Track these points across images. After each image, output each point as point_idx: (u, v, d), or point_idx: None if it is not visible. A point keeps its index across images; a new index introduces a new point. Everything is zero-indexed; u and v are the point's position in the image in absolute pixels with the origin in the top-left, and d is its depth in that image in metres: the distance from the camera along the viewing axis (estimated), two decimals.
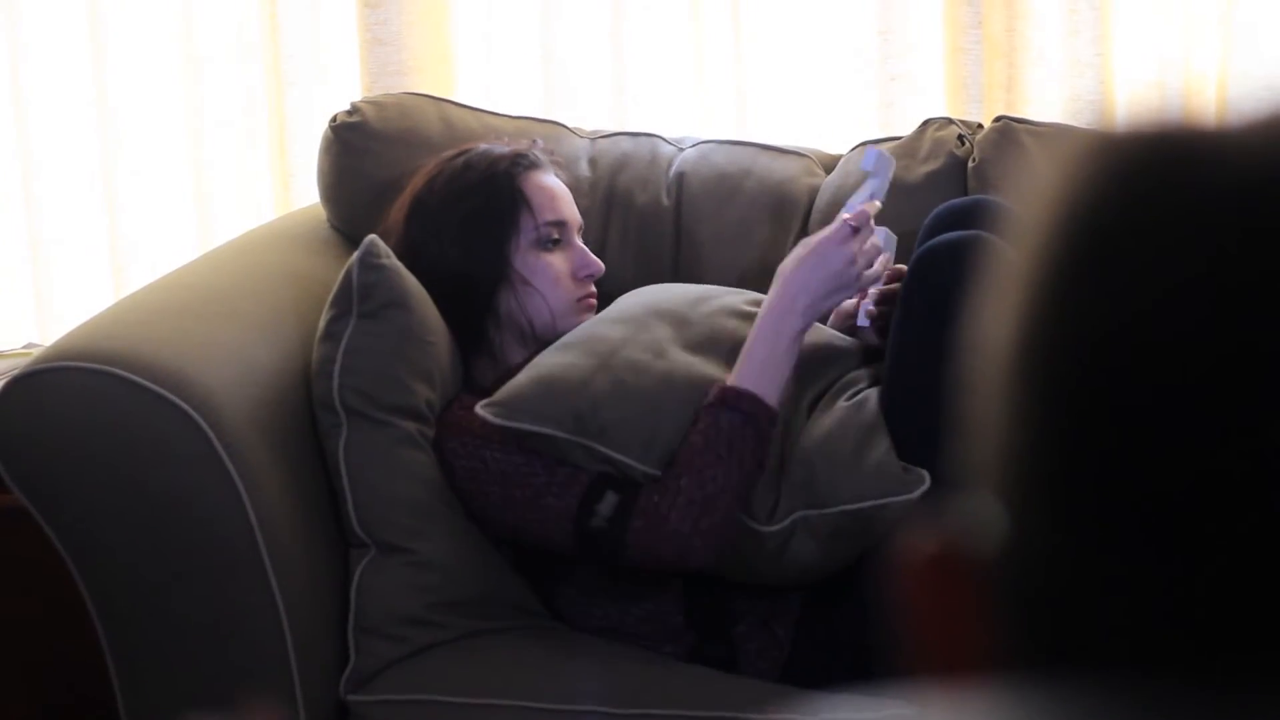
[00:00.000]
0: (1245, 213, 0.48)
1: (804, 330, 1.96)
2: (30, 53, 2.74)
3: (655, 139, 2.49)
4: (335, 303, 2.01)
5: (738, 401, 1.91)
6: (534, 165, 2.16)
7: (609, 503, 1.91)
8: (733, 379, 1.94)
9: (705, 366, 1.97)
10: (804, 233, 2.34)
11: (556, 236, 2.14)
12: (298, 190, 2.72)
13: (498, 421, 1.93)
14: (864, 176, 2.10)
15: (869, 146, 2.29)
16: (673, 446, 1.92)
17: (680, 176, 2.42)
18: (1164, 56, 2.61)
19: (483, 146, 2.19)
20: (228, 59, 2.74)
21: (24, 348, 2.75)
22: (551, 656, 1.96)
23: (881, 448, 1.92)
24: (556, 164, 2.23)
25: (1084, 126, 0.54)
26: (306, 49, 2.73)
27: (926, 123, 2.42)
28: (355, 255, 2.02)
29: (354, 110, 2.38)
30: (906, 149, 2.37)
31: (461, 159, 2.16)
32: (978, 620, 0.52)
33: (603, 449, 1.92)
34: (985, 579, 0.52)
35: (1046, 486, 0.50)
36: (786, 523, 1.91)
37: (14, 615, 2.36)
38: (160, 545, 1.83)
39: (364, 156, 2.35)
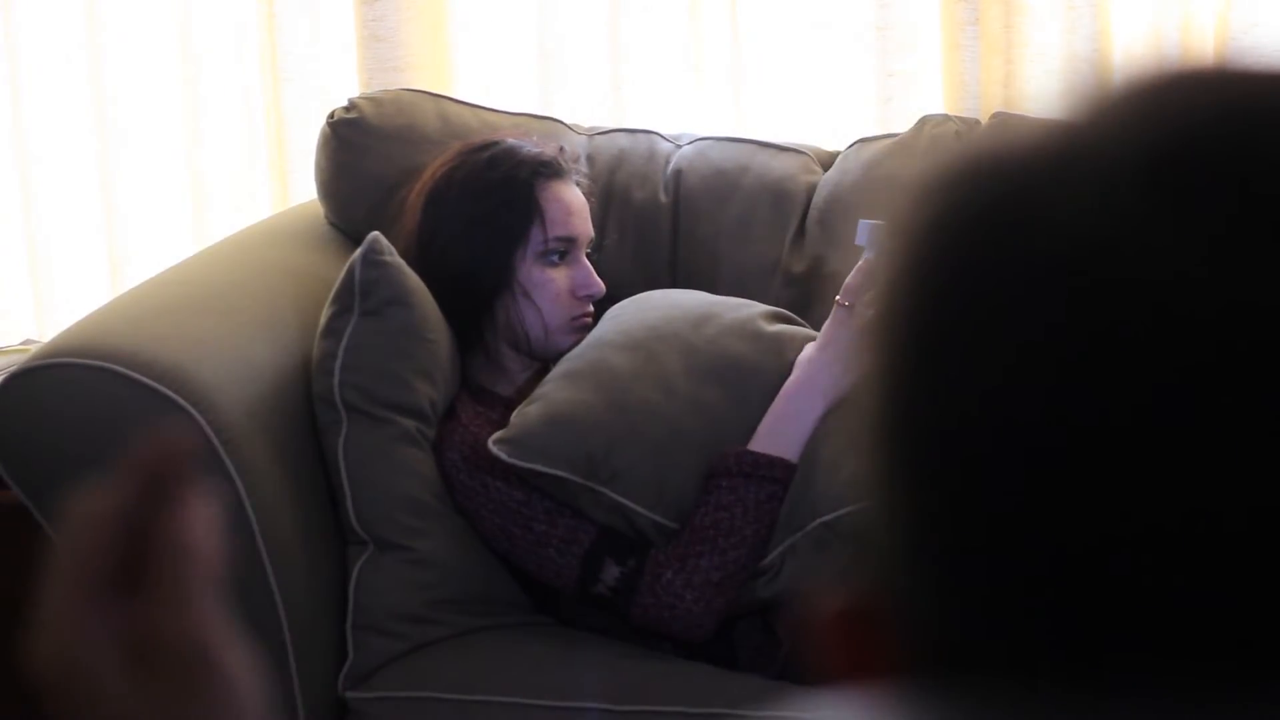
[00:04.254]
0: (1074, 274, 0.48)
1: (826, 409, 1.95)
2: (28, 48, 2.73)
3: (653, 135, 2.48)
4: (337, 299, 2.01)
5: (770, 469, 1.91)
6: (556, 174, 2.14)
7: (612, 573, 1.91)
8: (762, 448, 1.93)
9: (717, 404, 1.97)
10: (802, 230, 2.34)
11: (564, 250, 2.13)
12: (295, 187, 2.72)
13: (510, 461, 1.92)
14: (860, 252, 2.01)
15: (861, 220, 2.19)
16: (683, 495, 1.92)
17: (678, 173, 2.42)
18: (1162, 54, 2.61)
19: (510, 143, 2.16)
20: (225, 55, 2.74)
21: (22, 344, 2.74)
22: (550, 653, 1.95)
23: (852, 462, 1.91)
24: (579, 172, 2.22)
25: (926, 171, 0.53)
26: (304, 45, 2.72)
27: (924, 119, 2.42)
28: (358, 252, 2.02)
29: (351, 107, 2.38)
30: (904, 146, 2.37)
31: (486, 155, 2.13)
32: (881, 658, 0.53)
33: (612, 495, 1.92)
34: (882, 628, 0.52)
35: (922, 556, 0.51)
36: (775, 554, 1.92)
37: (12, 612, 2.35)
38: None
39: (362, 153, 2.34)
